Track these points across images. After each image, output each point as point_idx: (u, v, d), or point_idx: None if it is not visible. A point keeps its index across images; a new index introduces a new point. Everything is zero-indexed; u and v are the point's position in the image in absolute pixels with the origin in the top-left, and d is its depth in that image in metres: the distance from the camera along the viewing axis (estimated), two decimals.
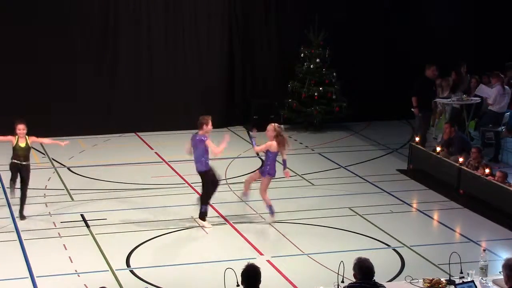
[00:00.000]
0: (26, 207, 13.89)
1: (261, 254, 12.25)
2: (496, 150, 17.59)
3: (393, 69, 20.56)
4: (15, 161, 13.70)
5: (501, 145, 17.55)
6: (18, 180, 13.78)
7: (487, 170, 14.49)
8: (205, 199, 13.49)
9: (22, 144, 13.68)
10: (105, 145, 19.00)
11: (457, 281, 8.82)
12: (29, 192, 14.02)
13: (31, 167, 13.92)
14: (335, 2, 20.73)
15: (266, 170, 13.50)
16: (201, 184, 13.62)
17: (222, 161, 16.55)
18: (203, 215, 13.51)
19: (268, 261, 11.92)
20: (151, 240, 12.87)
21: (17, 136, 13.71)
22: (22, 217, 13.76)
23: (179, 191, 15.44)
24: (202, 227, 13.42)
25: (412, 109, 18.10)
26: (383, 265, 10.87)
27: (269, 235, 13.26)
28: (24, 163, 13.71)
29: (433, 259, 11.93)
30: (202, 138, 13.33)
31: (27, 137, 13.73)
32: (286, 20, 20.81)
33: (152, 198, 14.98)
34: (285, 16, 20.82)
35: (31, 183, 14.72)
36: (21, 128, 13.69)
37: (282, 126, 13.80)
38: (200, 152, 13.33)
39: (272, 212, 13.61)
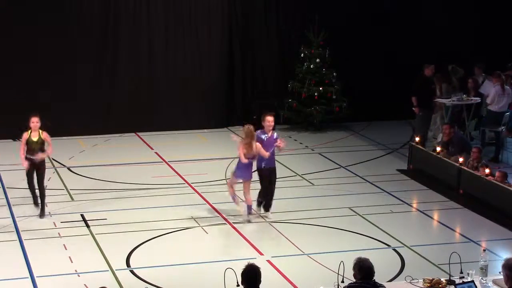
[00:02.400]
0: (26, 207, 13.89)
1: (261, 254, 12.25)
2: (496, 150, 17.59)
3: (393, 69, 20.54)
4: (29, 156, 13.61)
5: (503, 145, 17.55)
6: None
7: (487, 170, 14.49)
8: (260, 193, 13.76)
9: (35, 137, 13.58)
10: (105, 145, 19.00)
11: (457, 281, 8.82)
12: (29, 192, 14.00)
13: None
14: (335, 2, 20.73)
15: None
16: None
17: (222, 161, 16.54)
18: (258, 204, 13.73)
19: (268, 261, 11.92)
20: (151, 240, 12.87)
21: (30, 130, 13.64)
22: (42, 214, 13.79)
23: (179, 191, 15.43)
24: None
25: (413, 108, 18.19)
26: (383, 265, 10.86)
27: (269, 235, 13.25)
28: (42, 157, 13.65)
29: (433, 259, 11.93)
30: (258, 135, 13.53)
31: (40, 131, 13.65)
32: (286, 20, 20.82)
33: (152, 198, 14.98)
34: (285, 16, 20.81)
35: None
36: (34, 121, 13.60)
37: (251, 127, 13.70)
38: None
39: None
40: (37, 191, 13.78)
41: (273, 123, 13.66)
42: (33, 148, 13.60)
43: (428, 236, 13.39)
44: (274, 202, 13.92)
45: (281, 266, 11.74)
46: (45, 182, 14.20)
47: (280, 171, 14.09)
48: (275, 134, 13.67)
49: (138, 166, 17.20)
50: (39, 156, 13.55)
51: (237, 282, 8.01)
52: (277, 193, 14.34)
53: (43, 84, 19.06)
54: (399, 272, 11.49)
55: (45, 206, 13.88)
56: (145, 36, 19.94)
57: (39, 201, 13.80)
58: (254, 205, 13.79)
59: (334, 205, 14.60)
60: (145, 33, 19.93)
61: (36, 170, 13.70)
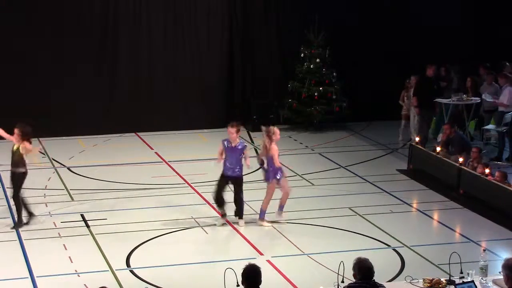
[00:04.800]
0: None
1: (261, 254, 12.25)
2: (500, 149, 17.56)
3: (393, 69, 20.54)
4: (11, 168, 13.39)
5: (504, 144, 17.54)
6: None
7: (487, 170, 14.49)
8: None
9: (14, 147, 13.29)
10: (105, 145, 19.00)
11: (457, 281, 8.82)
12: (29, 192, 14.04)
13: (27, 170, 13.32)
14: (335, 2, 20.73)
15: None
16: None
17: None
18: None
19: (268, 261, 11.92)
20: (151, 240, 12.87)
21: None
22: (20, 224, 13.34)
23: (179, 191, 15.44)
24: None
25: (414, 109, 18.22)
26: (383, 265, 10.87)
27: (269, 235, 13.25)
28: (12, 169, 13.26)
29: (433, 259, 11.93)
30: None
31: (22, 141, 13.16)
32: (286, 20, 20.81)
33: (152, 198, 14.98)
34: (285, 16, 20.81)
35: (31, 183, 14.74)
36: (15, 132, 13.22)
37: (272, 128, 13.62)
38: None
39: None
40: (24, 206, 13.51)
41: (234, 134, 13.37)
42: (12, 159, 13.28)
43: (428, 236, 13.39)
44: (272, 202, 13.92)
45: (281, 266, 11.74)
46: (45, 182, 14.17)
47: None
48: (239, 145, 13.41)
49: (138, 166, 17.20)
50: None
51: (237, 282, 8.01)
52: (277, 193, 14.32)
53: (43, 84, 19.05)
54: (399, 272, 11.48)
55: (22, 221, 13.33)
56: (145, 36, 19.95)
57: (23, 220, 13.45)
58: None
59: (334, 205, 14.60)
60: (145, 33, 19.94)
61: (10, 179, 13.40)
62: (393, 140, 19.28)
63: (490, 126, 18.10)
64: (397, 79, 19.99)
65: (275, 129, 13.49)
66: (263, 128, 13.61)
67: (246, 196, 14.83)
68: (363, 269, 7.98)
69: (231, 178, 13.43)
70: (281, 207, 13.58)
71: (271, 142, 13.31)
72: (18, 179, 13.29)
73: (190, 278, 11.52)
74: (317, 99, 20.00)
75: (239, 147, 13.36)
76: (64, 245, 12.64)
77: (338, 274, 8.62)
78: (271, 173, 13.33)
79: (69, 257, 12.13)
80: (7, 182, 15.61)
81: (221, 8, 20.35)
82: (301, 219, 13.83)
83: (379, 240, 12.83)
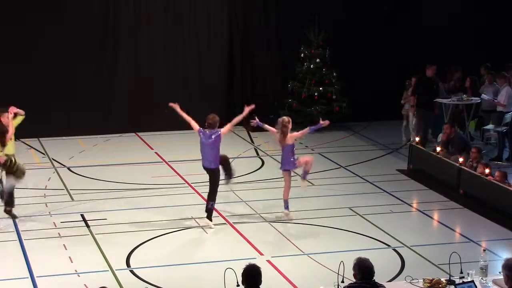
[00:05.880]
0: (26, 207, 13.88)
1: (261, 254, 12.25)
2: (499, 149, 17.56)
3: (393, 69, 20.54)
4: None
5: (504, 144, 17.55)
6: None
7: (487, 170, 14.48)
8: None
9: None
10: (105, 145, 19.00)
11: (457, 281, 8.81)
12: (29, 192, 13.96)
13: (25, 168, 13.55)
14: (335, 2, 20.73)
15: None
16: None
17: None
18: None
19: (268, 261, 11.92)
20: (151, 240, 12.87)
21: None
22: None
23: (179, 191, 15.44)
24: (206, 226, 13.43)
25: (410, 108, 18.22)
26: (383, 265, 10.86)
27: (269, 235, 13.25)
28: None
29: (433, 259, 11.93)
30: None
31: None
32: (286, 20, 20.81)
33: (152, 198, 14.98)
34: (285, 16, 20.81)
35: (31, 183, 14.74)
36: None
37: (284, 118, 13.93)
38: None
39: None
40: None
41: (209, 121, 13.93)
42: None
43: (428, 236, 13.39)
44: (272, 202, 13.93)
45: (281, 266, 11.74)
46: (45, 182, 14.03)
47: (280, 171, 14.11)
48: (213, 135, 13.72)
49: (138, 166, 17.20)
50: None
51: (237, 282, 8.01)
52: (277, 193, 14.36)
53: (43, 84, 19.06)
54: (399, 272, 11.48)
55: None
56: (145, 36, 19.96)
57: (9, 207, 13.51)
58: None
59: (334, 205, 14.60)
60: (145, 33, 19.94)
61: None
62: (393, 140, 19.27)
63: (490, 126, 18.12)
64: (397, 79, 20.01)
65: (289, 118, 13.89)
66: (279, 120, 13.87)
67: (245, 195, 14.93)
68: (363, 269, 7.98)
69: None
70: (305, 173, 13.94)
71: (288, 132, 13.65)
72: (5, 163, 13.31)
73: (190, 278, 11.52)
74: (317, 99, 20.00)
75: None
76: (64, 245, 12.64)
77: (338, 274, 8.62)
78: (290, 162, 13.68)
79: (69, 257, 12.13)
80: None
81: (221, 8, 20.36)
82: (301, 219, 13.83)
83: (379, 240, 12.83)
